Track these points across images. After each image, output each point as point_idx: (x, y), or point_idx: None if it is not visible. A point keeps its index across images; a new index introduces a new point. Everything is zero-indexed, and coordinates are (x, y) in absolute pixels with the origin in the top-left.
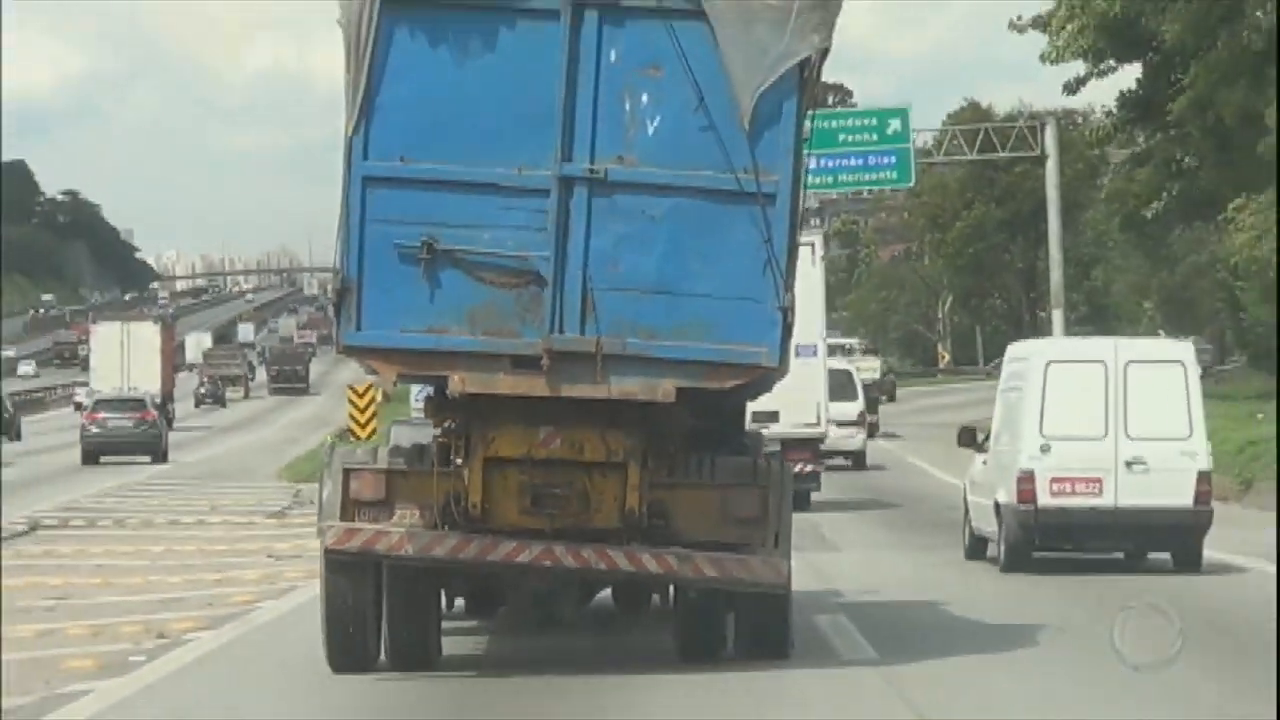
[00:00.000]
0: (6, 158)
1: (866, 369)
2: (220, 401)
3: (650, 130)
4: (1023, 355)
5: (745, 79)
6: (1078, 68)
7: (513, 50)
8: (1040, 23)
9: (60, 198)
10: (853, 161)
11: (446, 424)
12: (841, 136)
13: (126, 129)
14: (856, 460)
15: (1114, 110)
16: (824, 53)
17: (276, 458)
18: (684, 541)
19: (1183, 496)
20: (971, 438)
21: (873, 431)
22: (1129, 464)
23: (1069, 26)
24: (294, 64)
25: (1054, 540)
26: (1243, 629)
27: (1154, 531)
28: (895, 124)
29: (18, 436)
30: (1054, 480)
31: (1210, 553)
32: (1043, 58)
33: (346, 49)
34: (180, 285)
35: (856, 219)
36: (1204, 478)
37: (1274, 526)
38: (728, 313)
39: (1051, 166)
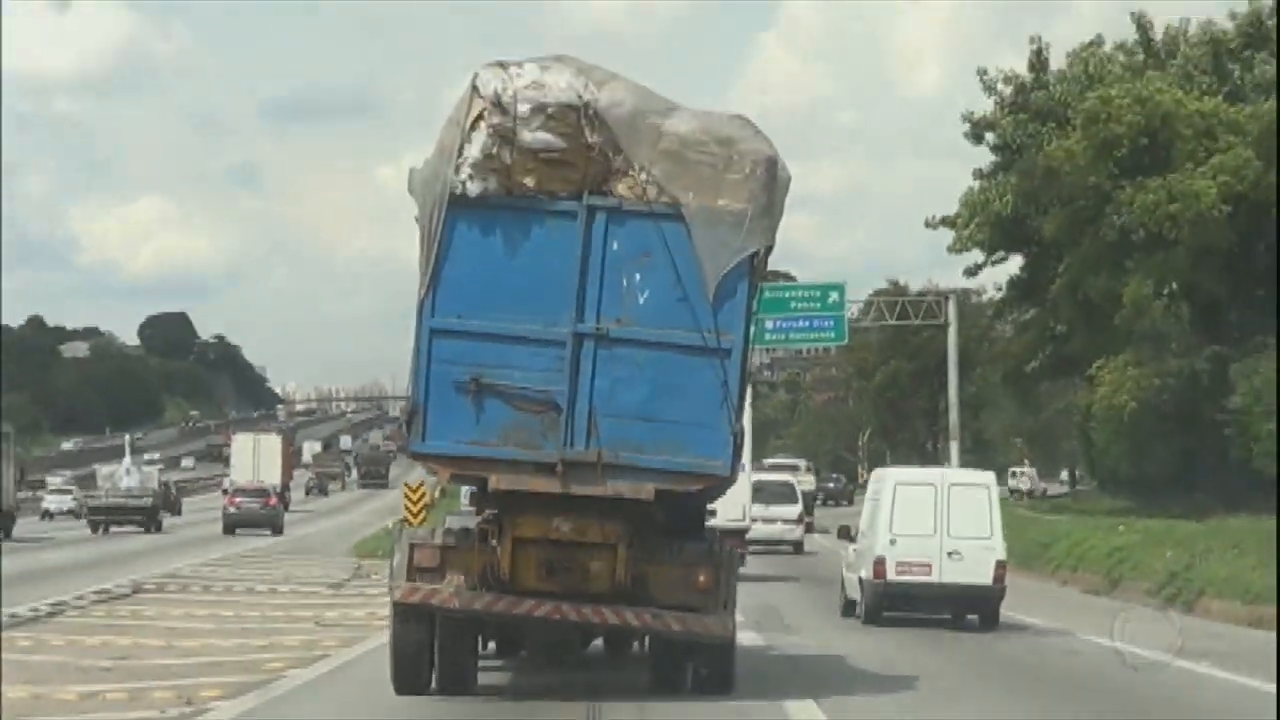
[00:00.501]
0: (174, 309)
1: (806, 482)
2: (323, 492)
3: (641, 300)
4: (881, 478)
5: (711, 265)
6: (977, 256)
7: (542, 239)
8: (949, 221)
9: (212, 340)
10: (801, 324)
11: (485, 512)
12: (792, 304)
13: (265, 292)
14: (796, 548)
15: (1003, 289)
16: (769, 249)
17: (354, 536)
18: (658, 604)
19: (985, 577)
20: (847, 532)
21: (810, 528)
22: (949, 554)
23: (969, 228)
24: (384, 246)
25: (898, 605)
26: (1037, 667)
27: (966, 600)
28: (834, 295)
29: (178, 512)
30: (898, 564)
31: (1045, 622)
32: (949, 249)
33: (421, 236)
34: (299, 407)
35: (799, 371)
36: (1000, 564)
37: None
38: (693, 435)
39: (952, 333)
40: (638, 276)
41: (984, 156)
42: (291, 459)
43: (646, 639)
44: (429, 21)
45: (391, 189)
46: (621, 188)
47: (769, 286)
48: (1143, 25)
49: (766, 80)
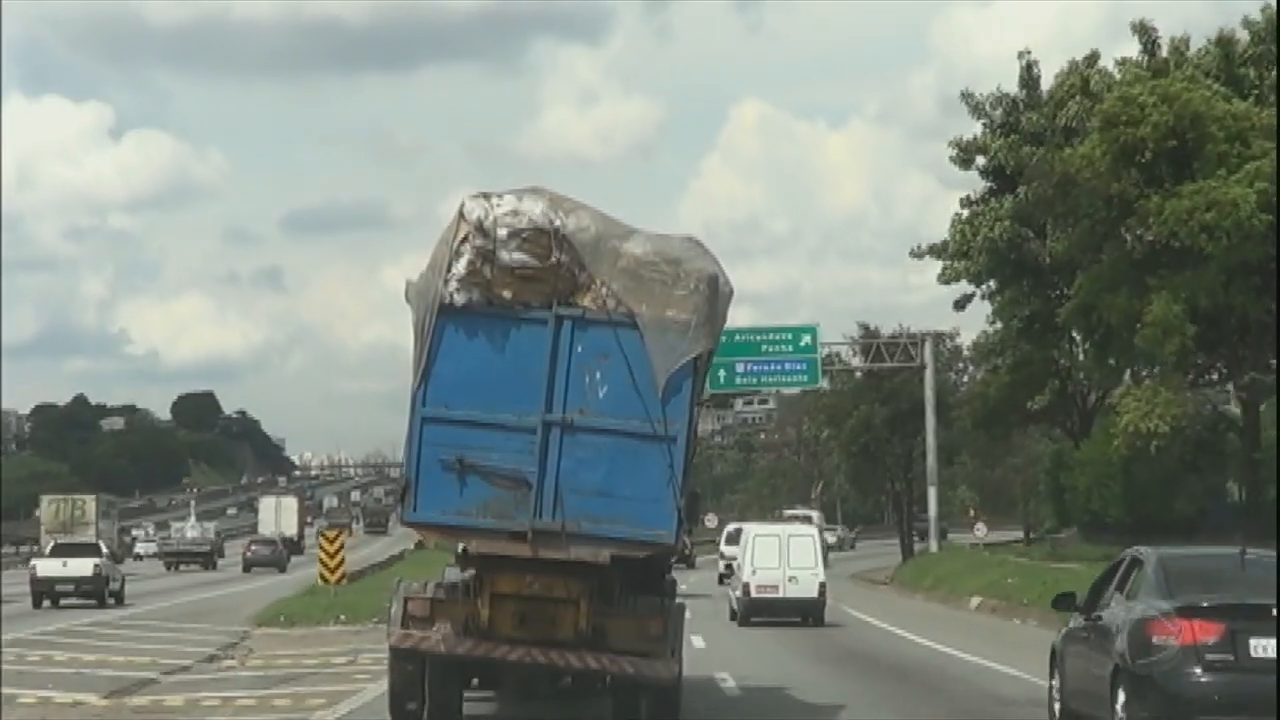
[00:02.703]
0: (202, 388)
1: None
2: None
3: (600, 395)
4: (746, 531)
5: (660, 366)
6: (964, 288)
7: (517, 342)
8: (935, 250)
9: (235, 415)
10: (772, 367)
11: (468, 571)
12: (764, 347)
13: (286, 375)
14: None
15: (996, 323)
16: (710, 351)
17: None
18: (615, 650)
19: (813, 593)
20: (729, 569)
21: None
22: (790, 579)
23: (958, 258)
24: (390, 338)
25: (759, 613)
26: (862, 653)
27: (801, 608)
28: (807, 338)
29: (222, 554)
30: (758, 585)
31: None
32: (938, 278)
33: (415, 337)
34: (314, 472)
35: (748, 434)
36: (822, 586)
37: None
38: (643, 510)
39: (929, 374)
40: (598, 374)
41: (970, 183)
42: (306, 513)
43: (607, 679)
44: (427, 146)
45: (394, 288)
46: (585, 300)
47: (740, 330)
48: (1147, 30)
49: (712, 194)
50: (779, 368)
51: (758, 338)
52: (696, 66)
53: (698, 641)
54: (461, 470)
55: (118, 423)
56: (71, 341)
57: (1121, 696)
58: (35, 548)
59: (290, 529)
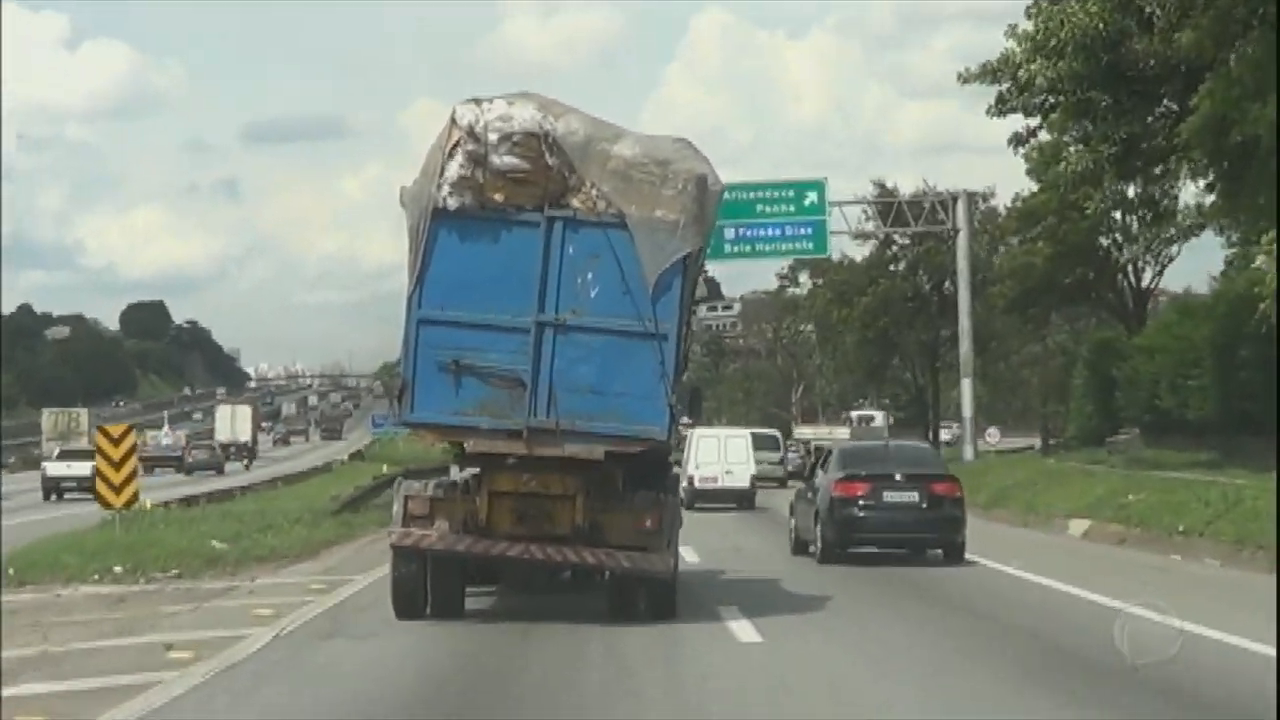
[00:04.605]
0: (153, 299)
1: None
2: (286, 443)
3: (592, 294)
4: (691, 434)
5: (650, 266)
6: (1019, 121)
7: (510, 245)
8: (991, 70)
9: (185, 325)
10: (770, 231)
11: (467, 470)
12: (759, 207)
13: (245, 287)
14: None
15: (1070, 157)
16: (700, 249)
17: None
18: (611, 544)
19: (745, 483)
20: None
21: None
22: (726, 472)
23: (1036, 62)
24: (349, 249)
25: (703, 500)
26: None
27: (736, 496)
28: (812, 196)
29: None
30: (701, 478)
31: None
32: (989, 110)
33: (410, 242)
34: (271, 383)
35: (715, 340)
36: (752, 479)
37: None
38: (636, 406)
39: (963, 239)
40: (589, 275)
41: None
42: (260, 419)
43: (605, 573)
44: (386, 56)
45: (354, 199)
46: (576, 202)
47: (730, 187)
48: None
49: (675, 102)
50: (778, 232)
51: (752, 195)
52: None
53: None
54: (457, 371)
55: (63, 332)
56: (29, 254)
57: (820, 528)
58: (38, 452)
59: (244, 435)
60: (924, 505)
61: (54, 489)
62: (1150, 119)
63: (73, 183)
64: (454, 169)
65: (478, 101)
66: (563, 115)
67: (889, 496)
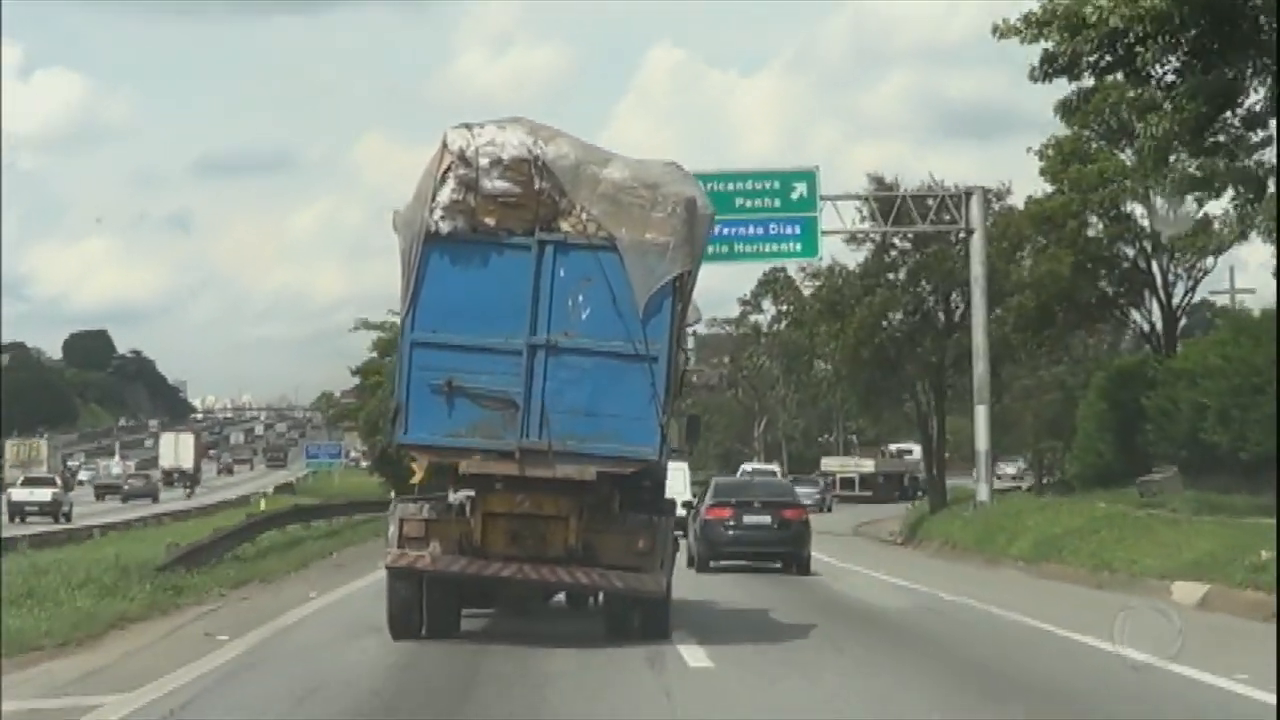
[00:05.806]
0: (96, 328)
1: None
2: (230, 471)
3: (583, 317)
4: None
5: (641, 288)
6: (1063, 85)
7: (501, 268)
8: (1036, 22)
9: (129, 355)
10: (752, 230)
11: (460, 492)
12: (739, 201)
13: (193, 320)
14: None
15: (1155, 117)
16: (689, 271)
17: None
18: (604, 565)
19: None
20: None
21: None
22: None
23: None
24: (297, 284)
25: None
26: None
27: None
28: (801, 188)
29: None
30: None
31: None
32: (1032, 74)
33: (402, 266)
34: (218, 414)
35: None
36: (686, 504)
37: None
38: (628, 427)
39: (977, 239)
40: (580, 297)
41: None
42: (204, 449)
43: (600, 594)
44: (338, 90)
45: (304, 233)
46: (566, 225)
47: (707, 177)
48: None
49: (626, 139)
50: (761, 231)
51: (731, 186)
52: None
53: None
54: (450, 393)
55: (3, 360)
56: None
57: (698, 545)
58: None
59: (187, 462)
60: (775, 526)
61: (18, 513)
62: (1250, 70)
63: (23, 212)
64: (446, 193)
65: (468, 126)
66: (552, 139)
67: (748, 519)
